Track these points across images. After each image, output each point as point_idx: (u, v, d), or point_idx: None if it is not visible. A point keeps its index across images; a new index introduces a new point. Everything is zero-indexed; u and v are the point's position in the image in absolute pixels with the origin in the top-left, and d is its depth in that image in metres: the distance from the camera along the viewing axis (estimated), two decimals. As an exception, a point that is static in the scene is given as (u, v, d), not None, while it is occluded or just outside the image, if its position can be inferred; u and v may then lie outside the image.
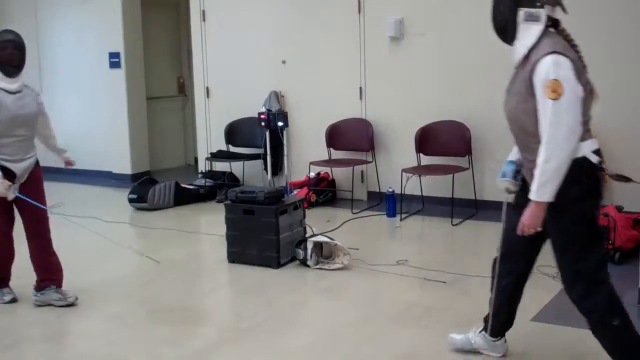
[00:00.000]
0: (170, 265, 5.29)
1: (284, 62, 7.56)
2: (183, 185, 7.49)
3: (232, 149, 7.85)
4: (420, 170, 6.59)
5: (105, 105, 8.84)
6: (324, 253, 5.14)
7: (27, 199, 4.29)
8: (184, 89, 10.00)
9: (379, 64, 7.04)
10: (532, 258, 3.25)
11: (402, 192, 6.41)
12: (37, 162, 4.47)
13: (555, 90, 2.76)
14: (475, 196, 6.55)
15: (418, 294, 4.56)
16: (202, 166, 8.06)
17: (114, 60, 8.67)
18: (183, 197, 7.35)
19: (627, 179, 3.05)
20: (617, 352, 3.04)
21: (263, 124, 7.16)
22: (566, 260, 3.00)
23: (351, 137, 7.15)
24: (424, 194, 6.79)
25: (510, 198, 3.13)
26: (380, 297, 4.52)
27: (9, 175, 4.24)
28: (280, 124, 7.13)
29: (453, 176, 6.30)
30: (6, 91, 4.23)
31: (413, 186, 6.65)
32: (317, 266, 5.05)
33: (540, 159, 2.81)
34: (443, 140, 6.61)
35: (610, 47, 5.82)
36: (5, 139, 4.24)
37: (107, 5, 8.60)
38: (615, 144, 5.29)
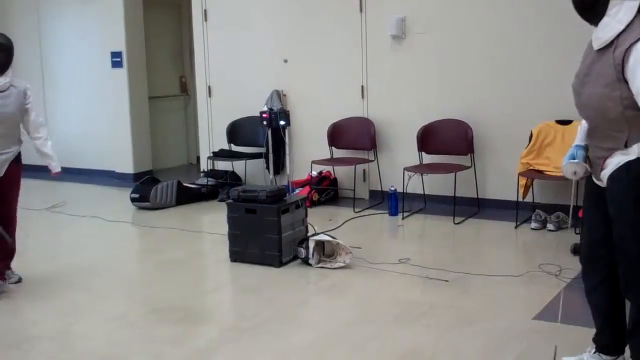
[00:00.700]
0: (172, 264, 5.30)
1: (285, 61, 7.55)
2: (185, 184, 7.48)
3: (234, 148, 7.84)
4: (422, 168, 6.58)
5: (107, 104, 8.83)
6: (326, 252, 5.14)
7: None
8: (186, 88, 10.00)
9: (381, 63, 7.03)
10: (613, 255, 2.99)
11: (404, 191, 6.41)
12: (17, 160, 4.57)
13: None
14: (477, 194, 6.55)
15: (420, 292, 4.55)
16: (204, 165, 8.06)
17: (116, 60, 8.66)
18: (185, 196, 7.35)
19: None
20: None
21: (265, 122, 7.14)
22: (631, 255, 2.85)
23: (353, 136, 7.14)
24: (426, 193, 6.78)
25: (577, 178, 3.00)
26: (382, 295, 4.51)
27: None
28: (282, 122, 7.11)
29: (455, 175, 6.29)
30: None
31: (415, 185, 6.65)
32: (319, 265, 5.05)
33: None
34: (445, 139, 6.60)
35: None
36: None
37: (109, 5, 8.60)
38: None
